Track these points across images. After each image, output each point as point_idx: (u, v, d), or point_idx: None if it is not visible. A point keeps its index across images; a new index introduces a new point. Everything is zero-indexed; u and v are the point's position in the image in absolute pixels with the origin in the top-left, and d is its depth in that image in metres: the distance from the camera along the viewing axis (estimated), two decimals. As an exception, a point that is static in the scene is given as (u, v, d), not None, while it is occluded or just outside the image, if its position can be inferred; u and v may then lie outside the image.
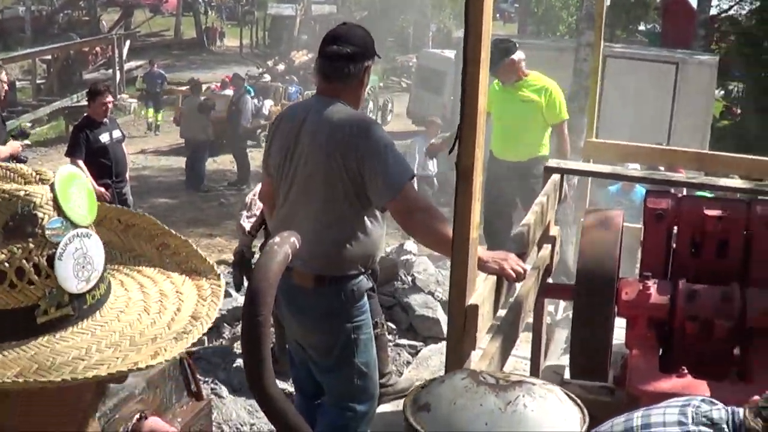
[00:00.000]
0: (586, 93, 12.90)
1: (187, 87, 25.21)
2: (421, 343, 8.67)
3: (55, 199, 1.49)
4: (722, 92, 33.16)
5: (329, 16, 42.53)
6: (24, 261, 1.44)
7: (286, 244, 2.25)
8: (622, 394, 5.52)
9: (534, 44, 23.33)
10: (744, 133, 25.96)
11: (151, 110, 30.56)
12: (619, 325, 5.99)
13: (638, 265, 6.39)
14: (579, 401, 2.17)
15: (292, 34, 46.77)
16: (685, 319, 5.61)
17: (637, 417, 3.98)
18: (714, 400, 4.06)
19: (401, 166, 4.94)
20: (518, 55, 9.47)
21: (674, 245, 6.22)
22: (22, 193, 1.46)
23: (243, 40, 48.88)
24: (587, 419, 2.09)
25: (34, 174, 1.55)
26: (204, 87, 28.92)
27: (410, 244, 9.77)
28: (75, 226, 1.50)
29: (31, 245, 1.45)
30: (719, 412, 3.93)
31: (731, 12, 34.92)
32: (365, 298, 5.21)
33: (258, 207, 7.75)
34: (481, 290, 4.02)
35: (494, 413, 1.97)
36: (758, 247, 6.02)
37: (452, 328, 3.84)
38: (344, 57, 5.13)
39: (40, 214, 1.46)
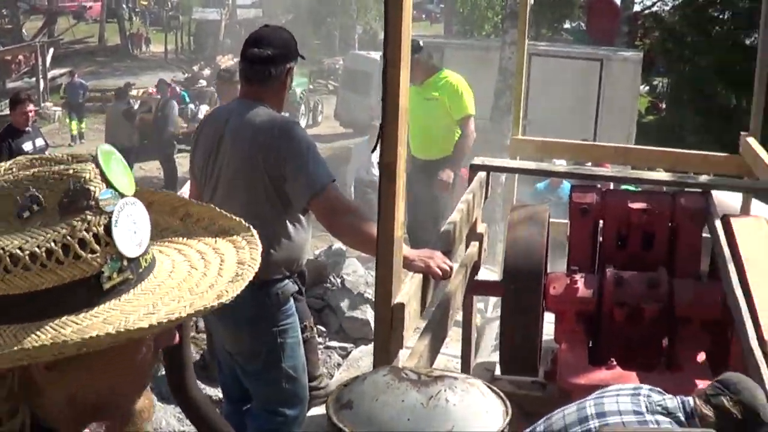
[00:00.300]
0: (511, 91, 12.95)
1: (113, 93, 25.12)
2: (351, 345, 8.64)
3: (101, 173, 1.59)
4: (647, 88, 33.46)
5: (255, 20, 42.46)
6: (85, 232, 1.52)
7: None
8: (554, 389, 5.56)
9: (460, 44, 23.53)
10: (669, 127, 26.20)
11: (74, 122, 29.87)
12: (549, 319, 6.03)
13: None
14: (502, 394, 2.17)
15: (217, 39, 46.67)
16: (614, 306, 5.67)
17: (590, 405, 4.01)
18: (661, 390, 4.12)
19: (323, 168, 4.92)
20: (423, 53, 9.43)
21: (600, 239, 6.27)
22: (71, 171, 1.56)
23: (168, 45, 48.63)
24: (510, 412, 2.09)
25: (69, 157, 1.65)
26: (140, 91, 28.81)
27: (339, 246, 9.75)
28: (122, 195, 1.60)
29: (89, 217, 1.54)
30: (672, 401, 3.98)
31: (655, 8, 35.27)
32: (291, 301, 5.18)
33: None
34: (407, 289, 4.03)
35: (416, 408, 1.97)
36: (683, 238, 6.10)
37: (379, 327, 3.83)
38: (264, 60, 5.10)
39: (91, 188, 1.56)
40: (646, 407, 3.94)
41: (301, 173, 4.84)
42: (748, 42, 23.81)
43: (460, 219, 5.31)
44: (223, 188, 5.10)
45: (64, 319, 1.51)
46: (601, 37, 29.82)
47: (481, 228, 6.24)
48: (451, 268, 4.50)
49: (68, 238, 1.52)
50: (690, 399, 4.02)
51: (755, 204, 8.25)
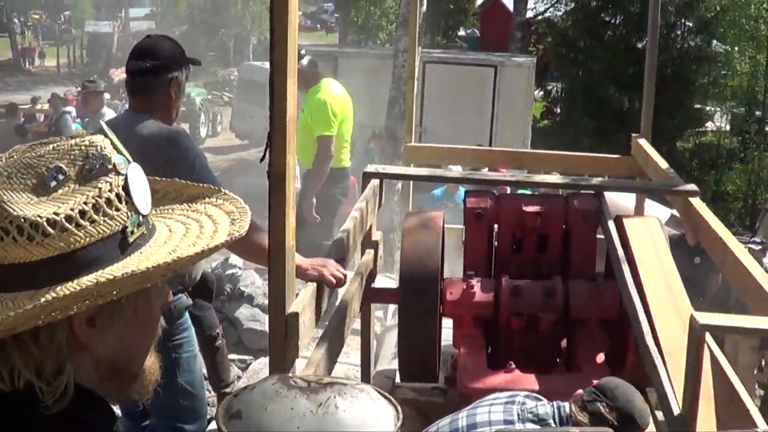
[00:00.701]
0: (405, 99, 13.01)
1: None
2: (251, 357, 8.58)
3: (111, 142, 1.78)
4: (542, 93, 33.87)
5: (148, 32, 41.92)
6: (109, 192, 1.69)
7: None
8: (454, 394, 5.56)
9: (354, 53, 23.56)
10: (564, 131, 26.55)
11: None
12: (447, 325, 6.04)
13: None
14: (393, 399, 2.16)
15: (110, 52, 46.24)
16: (510, 316, 5.69)
17: (462, 417, 4.01)
18: (539, 396, 4.15)
19: (211, 179, 4.87)
20: (303, 62, 9.20)
21: (496, 243, 6.29)
22: (87, 142, 1.73)
23: (61, 59, 48.04)
24: (401, 416, 2.08)
25: (76, 134, 1.80)
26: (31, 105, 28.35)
27: (235, 258, 9.69)
28: (128, 161, 1.78)
29: (111, 178, 1.71)
30: (545, 407, 4.00)
31: (547, 14, 35.77)
32: (185, 316, 5.12)
33: None
34: (301, 298, 3.99)
35: (306, 416, 1.95)
36: (577, 240, 6.15)
37: (274, 337, 3.79)
38: (144, 72, 5.05)
39: (107, 153, 1.73)
40: (518, 415, 3.96)
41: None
42: (639, 45, 24.23)
43: (354, 227, 5.29)
44: None
45: (99, 272, 1.66)
46: (495, 44, 30.20)
47: (376, 236, 6.22)
48: (345, 276, 4.48)
49: (97, 198, 1.68)
50: (566, 405, 4.06)
51: (649, 204, 8.37)
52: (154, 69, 5.05)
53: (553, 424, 3.95)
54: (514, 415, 3.93)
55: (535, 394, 4.19)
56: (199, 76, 38.89)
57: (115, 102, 28.80)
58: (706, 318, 3.89)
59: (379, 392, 2.17)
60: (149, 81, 5.07)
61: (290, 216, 3.70)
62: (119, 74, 36.19)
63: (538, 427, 3.92)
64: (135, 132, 4.93)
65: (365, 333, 6.31)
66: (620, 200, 9.46)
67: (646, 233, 5.88)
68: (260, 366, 8.14)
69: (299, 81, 8.80)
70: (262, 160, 3.75)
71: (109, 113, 13.89)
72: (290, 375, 2.15)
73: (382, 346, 7.78)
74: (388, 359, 7.31)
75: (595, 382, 4.22)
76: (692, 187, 6.36)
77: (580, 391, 4.19)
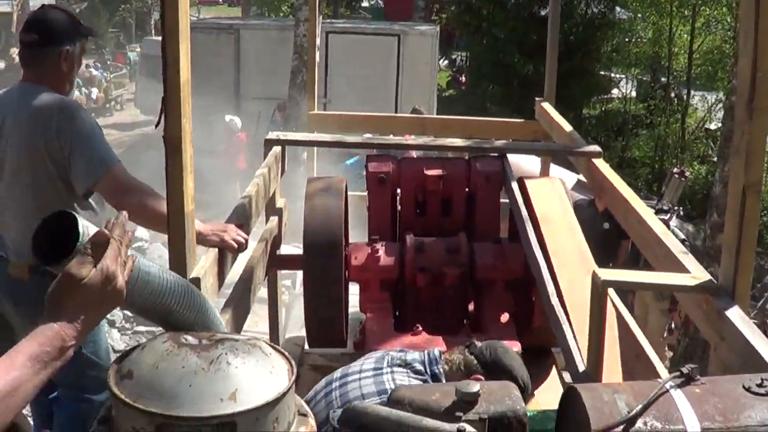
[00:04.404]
0: (307, 68, 12.96)
1: None
2: (159, 329, 8.52)
3: None
4: (447, 62, 33.97)
5: (46, 10, 41.35)
6: None
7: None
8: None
9: (256, 24, 23.42)
10: (471, 100, 26.67)
11: None
12: (354, 291, 6.03)
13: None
14: (286, 353, 2.14)
15: (9, 31, 45.35)
16: (416, 272, 5.69)
17: (339, 371, 4.02)
18: (408, 350, 4.16)
19: (107, 150, 4.80)
20: None
21: (399, 207, 6.29)
22: None
23: (-41, 39, 47.04)
24: (295, 370, 2.06)
25: None
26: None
27: (142, 231, 9.60)
28: None
29: None
30: (413, 354, 4.01)
31: (450, -18, 35.85)
32: None
33: None
34: (202, 263, 3.96)
35: (197, 373, 1.92)
36: (480, 202, 6.16)
37: (175, 304, 3.76)
38: (34, 43, 5.00)
39: None
40: (387, 363, 3.97)
41: (83, 155, 4.72)
42: (543, 12, 24.35)
43: (256, 192, 5.25)
44: (8, 175, 4.94)
45: None
46: (398, 14, 30.19)
47: (280, 203, 6.19)
48: (247, 241, 4.45)
49: None
50: (436, 350, 4.07)
51: (554, 169, 8.42)
52: (43, 41, 4.99)
53: (419, 367, 3.96)
54: (383, 363, 3.94)
55: (409, 350, 4.18)
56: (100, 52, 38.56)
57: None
58: (607, 274, 3.93)
59: (272, 346, 2.14)
60: (39, 53, 5.00)
61: (188, 181, 3.65)
62: (19, 53, 35.64)
63: (404, 370, 3.93)
64: (28, 103, 4.85)
65: (272, 301, 6.28)
66: (526, 165, 9.53)
67: (549, 193, 5.91)
68: (167, 338, 8.08)
69: None
70: (157, 125, 3.70)
71: None
72: (181, 333, 2.11)
73: (290, 314, 7.75)
74: (297, 327, 7.28)
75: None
76: (595, 148, 6.40)
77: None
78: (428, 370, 3.95)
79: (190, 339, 2.05)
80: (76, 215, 2.13)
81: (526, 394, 3.92)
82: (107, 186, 4.67)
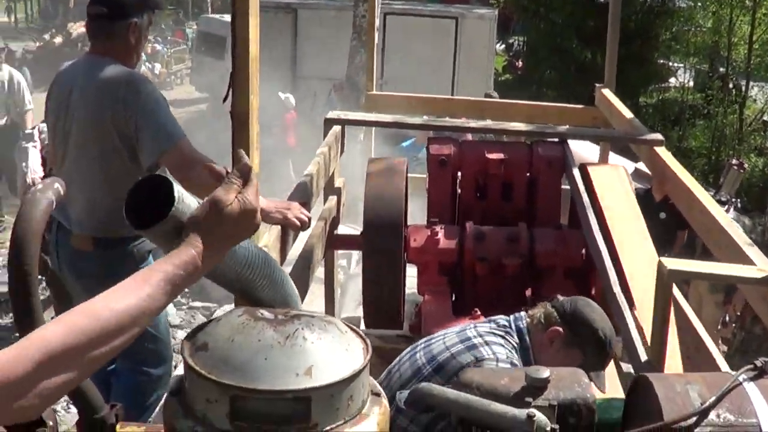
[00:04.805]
0: (365, 49, 12.94)
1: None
2: (215, 305, 8.55)
3: None
4: (504, 47, 33.82)
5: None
6: None
7: (48, 191, 2.13)
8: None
9: (315, 4, 23.37)
10: (527, 84, 26.53)
11: None
12: (412, 273, 6.00)
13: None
14: (361, 332, 2.11)
15: (67, 6, 45.69)
16: (475, 261, 5.66)
17: (420, 355, 3.98)
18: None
19: (173, 123, 4.79)
20: None
21: (459, 191, 6.26)
22: None
23: (17, 14, 47.44)
24: (370, 349, 2.03)
25: None
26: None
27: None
28: None
29: None
30: (500, 319, 3.97)
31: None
32: (149, 259, 5.06)
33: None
34: (265, 240, 3.95)
35: (273, 347, 1.90)
36: (542, 188, 6.12)
37: (239, 281, 3.75)
38: (102, 16, 5.01)
39: None
40: (474, 333, 3.93)
41: (151, 128, 4.71)
42: (602, -1, 24.15)
43: (317, 171, 5.23)
44: (74, 146, 4.96)
45: None
46: (457, -4, 30.01)
47: (338, 182, 6.18)
48: (310, 219, 4.43)
49: None
50: (523, 314, 4.03)
51: (612, 157, 8.35)
52: (112, 14, 5.00)
53: (503, 321, 3.93)
54: (469, 333, 3.89)
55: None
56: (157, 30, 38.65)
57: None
58: (674, 264, 3.86)
59: (347, 325, 2.12)
60: (108, 25, 5.01)
61: (254, 157, 3.65)
62: (77, 28, 35.84)
63: (499, 332, 3.88)
64: (95, 75, 4.87)
65: (329, 281, 6.27)
66: (583, 153, 9.45)
67: (612, 180, 5.86)
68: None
69: None
70: (224, 100, 3.69)
71: (4, 70, 13.77)
72: (257, 308, 2.09)
73: (345, 295, 7.76)
74: (351, 308, 7.29)
75: None
76: (657, 136, 6.35)
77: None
78: (513, 325, 3.92)
79: (266, 313, 2.04)
80: (172, 180, 2.12)
81: (609, 350, 3.88)
82: (173, 159, 4.66)
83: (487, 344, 3.76)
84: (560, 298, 4.02)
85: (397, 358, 4.03)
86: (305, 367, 1.89)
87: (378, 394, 2.09)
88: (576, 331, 3.81)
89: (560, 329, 3.82)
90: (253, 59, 3.61)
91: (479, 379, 2.71)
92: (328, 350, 1.95)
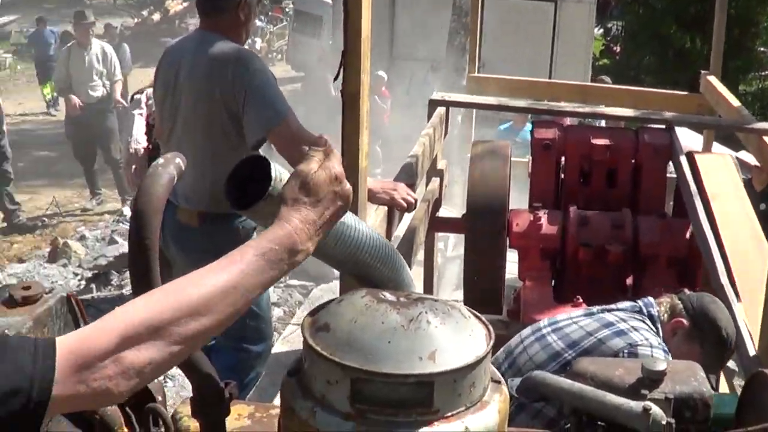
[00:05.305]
0: (466, 31, 12.89)
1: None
2: (312, 284, 8.57)
3: None
4: (602, 31, 33.47)
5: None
6: None
7: (170, 165, 2.12)
8: (518, 326, 5.48)
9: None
10: (624, 70, 26.22)
11: (48, 86, 24.15)
12: (510, 259, 5.95)
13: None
14: (483, 317, 2.08)
15: (165, -16, 46.11)
16: (578, 246, 5.59)
17: (543, 321, 3.92)
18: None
19: (282, 100, 4.79)
20: None
21: (563, 175, 6.19)
22: None
23: (117, -10, 47.94)
24: (493, 335, 2.00)
25: None
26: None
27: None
28: None
29: None
30: (622, 304, 3.90)
31: (609, -49, 35.22)
32: (253, 236, 5.07)
33: (140, 156, 7.43)
34: (372, 221, 3.94)
35: (397, 330, 1.87)
36: (647, 175, 6.03)
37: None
38: None
39: None
40: (596, 310, 3.87)
41: (259, 105, 4.70)
42: (702, -17, 23.78)
43: (422, 153, 5.20)
44: (182, 121, 4.98)
45: None
46: (556, -20, 29.72)
47: (441, 164, 6.14)
48: (416, 201, 4.41)
49: None
50: (653, 302, 3.95)
51: (714, 146, 8.20)
52: None
53: (640, 306, 3.86)
54: (610, 318, 3.82)
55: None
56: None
57: (166, 39, 28.73)
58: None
59: (469, 310, 2.09)
60: (218, 2, 5.01)
61: (364, 137, 3.62)
62: (174, 6, 36.22)
63: (639, 318, 3.81)
64: (204, 50, 4.87)
65: (428, 263, 6.24)
66: (687, 141, 9.30)
67: (720, 169, 5.75)
68: (321, 293, 8.13)
69: None
70: (335, 78, 3.67)
71: (95, 45, 13.97)
72: (379, 290, 2.07)
73: (442, 278, 7.73)
74: (449, 290, 7.26)
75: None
76: (766, 125, 6.22)
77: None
78: (646, 311, 3.86)
79: (389, 296, 2.01)
80: (270, 160, 2.11)
81: (729, 350, 3.82)
82: (280, 136, 4.64)
83: (635, 329, 3.68)
84: (687, 291, 3.95)
85: (515, 342, 3.99)
86: (429, 351, 1.86)
87: (498, 381, 2.06)
88: (699, 326, 3.75)
89: (684, 321, 3.76)
90: (365, 38, 3.58)
91: (594, 369, 2.66)
92: (451, 335, 1.91)
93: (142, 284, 2.03)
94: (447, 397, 1.88)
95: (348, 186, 2.01)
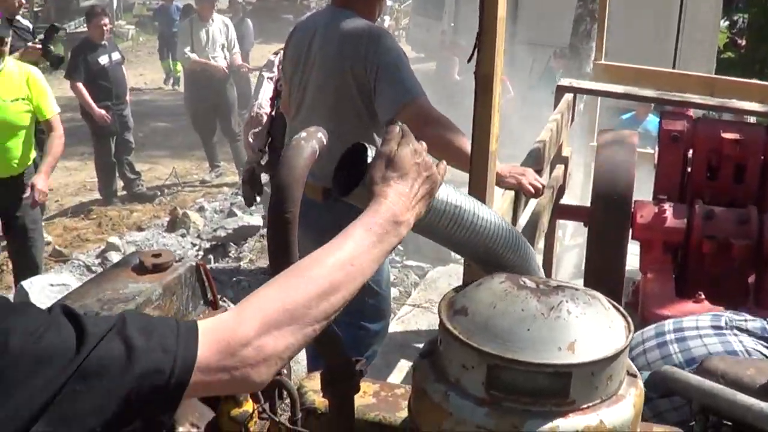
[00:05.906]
0: (591, 17, 12.74)
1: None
2: (428, 265, 8.54)
3: None
4: (727, 23, 32.91)
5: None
6: None
7: (312, 139, 2.12)
8: (636, 319, 5.40)
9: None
10: (749, 63, 25.75)
11: (169, 61, 24.26)
12: (630, 251, 5.86)
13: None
14: (622, 309, 2.04)
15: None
16: (702, 239, 5.49)
17: (668, 323, 3.84)
18: (743, 313, 3.91)
19: (413, 78, 4.73)
20: None
21: (689, 168, 6.08)
22: None
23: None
24: (632, 328, 1.96)
25: None
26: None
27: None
28: None
29: None
30: (754, 322, 3.79)
31: (737, -58, 34.57)
32: None
33: (262, 121, 7.45)
34: (499, 205, 3.90)
35: (537, 318, 1.84)
36: (777, 173, 5.90)
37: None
38: None
39: None
40: (726, 323, 3.77)
41: (391, 82, 4.65)
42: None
43: (549, 139, 5.14)
44: (311, 97, 4.97)
45: None
46: (682, -30, 29.27)
47: (566, 151, 6.07)
48: (544, 186, 4.36)
49: None
50: None
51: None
52: None
53: (759, 333, 3.75)
54: (722, 321, 3.72)
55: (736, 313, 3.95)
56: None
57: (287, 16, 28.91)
58: None
59: (609, 301, 2.05)
60: None
61: (495, 120, 3.57)
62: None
63: (751, 339, 3.70)
64: (337, 27, 4.85)
65: (548, 250, 6.19)
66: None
67: None
68: (437, 275, 8.11)
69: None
70: (469, 60, 3.63)
71: (217, 19, 14.10)
72: (518, 275, 2.04)
73: (560, 267, 7.65)
74: (566, 279, 7.18)
75: None
76: None
77: None
78: None
79: (528, 282, 1.98)
80: (366, 145, 2.11)
81: None
82: (411, 115, 4.57)
83: (740, 341, 3.60)
84: None
85: (636, 340, 3.91)
86: (568, 341, 1.83)
87: (634, 375, 2.02)
88: None
89: None
90: (500, 19, 3.54)
91: (724, 368, 2.62)
92: (591, 326, 1.88)
93: (281, 259, 2.03)
94: (583, 389, 1.85)
95: (429, 158, 2.10)
